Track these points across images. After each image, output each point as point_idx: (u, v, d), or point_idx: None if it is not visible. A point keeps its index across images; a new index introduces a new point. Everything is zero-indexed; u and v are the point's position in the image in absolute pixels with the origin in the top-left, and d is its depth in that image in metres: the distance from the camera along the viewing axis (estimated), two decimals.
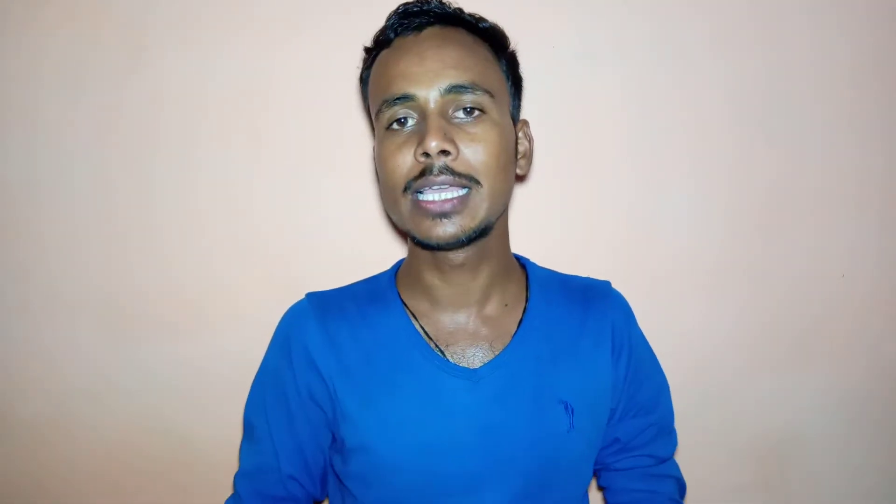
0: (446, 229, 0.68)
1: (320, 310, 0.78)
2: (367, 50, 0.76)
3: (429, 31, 0.71)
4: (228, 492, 0.85)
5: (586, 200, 1.01)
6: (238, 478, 0.81)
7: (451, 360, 0.74)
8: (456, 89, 0.68)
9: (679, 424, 0.87)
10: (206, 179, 1.00)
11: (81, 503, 1.08)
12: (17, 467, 1.07)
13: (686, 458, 0.88)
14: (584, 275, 0.87)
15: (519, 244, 0.86)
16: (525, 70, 0.80)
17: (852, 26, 0.99)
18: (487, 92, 0.69)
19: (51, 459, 1.07)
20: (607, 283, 0.85)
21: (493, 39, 0.74)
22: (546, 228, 1.00)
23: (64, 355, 1.04)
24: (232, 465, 0.89)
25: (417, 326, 0.76)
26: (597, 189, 1.01)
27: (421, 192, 0.68)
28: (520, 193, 1.00)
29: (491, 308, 0.77)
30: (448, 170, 0.67)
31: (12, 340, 1.04)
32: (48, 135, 0.99)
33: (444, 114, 0.68)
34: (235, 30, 0.97)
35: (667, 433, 0.86)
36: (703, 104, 0.99)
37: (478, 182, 0.68)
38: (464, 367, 0.73)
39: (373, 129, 0.79)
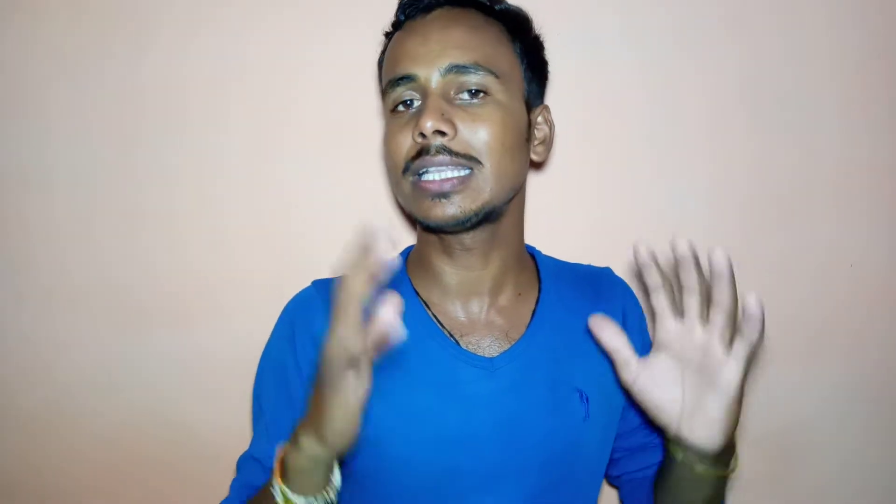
0: (446, 210, 0.67)
1: (329, 296, 0.75)
2: (386, 35, 0.77)
3: (436, 13, 0.71)
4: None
5: (598, 191, 1.01)
6: (238, 463, 0.78)
7: (467, 350, 0.72)
8: (457, 69, 0.67)
9: None
10: (217, 168, 0.99)
11: (86, 493, 1.08)
12: (22, 456, 1.07)
13: None
14: (586, 263, 0.87)
15: (528, 234, 0.85)
16: None
17: (868, 16, 0.97)
18: (492, 73, 0.68)
19: (57, 449, 1.07)
20: (609, 270, 0.86)
21: (508, 21, 0.73)
22: (558, 219, 1.00)
23: (72, 344, 1.04)
24: (239, 454, 0.89)
25: (431, 315, 0.75)
26: (607, 180, 1.00)
27: (421, 173, 0.68)
28: (532, 183, 0.99)
29: (504, 298, 0.76)
30: (445, 149, 0.66)
31: (20, 329, 1.04)
32: (60, 122, 0.99)
33: (445, 95, 0.68)
34: (244, 14, 0.96)
35: None
36: (716, 94, 0.98)
37: (479, 162, 0.67)
38: (481, 357, 0.72)
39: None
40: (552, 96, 0.94)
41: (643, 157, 0.99)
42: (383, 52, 0.77)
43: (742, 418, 0.64)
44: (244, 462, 0.79)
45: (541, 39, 0.77)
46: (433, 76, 0.67)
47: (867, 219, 1.02)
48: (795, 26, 0.97)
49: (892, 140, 1.00)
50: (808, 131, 0.99)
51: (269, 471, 0.73)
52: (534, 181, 0.99)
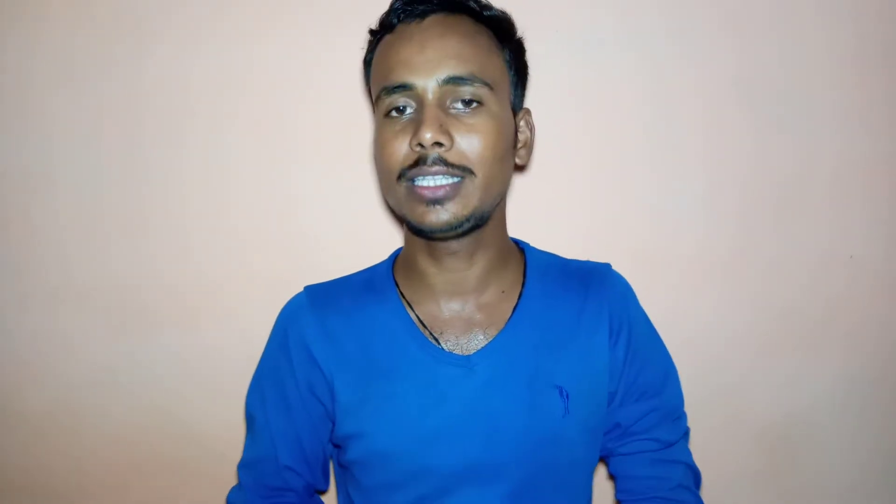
0: (440, 216, 0.68)
1: (318, 302, 0.79)
2: (371, 33, 0.76)
3: (431, 19, 0.71)
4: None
5: (596, 191, 1.00)
6: (240, 468, 0.83)
7: (445, 348, 0.74)
8: (454, 80, 0.68)
9: (691, 414, 0.87)
10: (222, 169, 0.99)
11: (93, 492, 1.09)
12: (28, 456, 1.08)
13: (697, 447, 0.88)
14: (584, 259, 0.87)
15: (525, 234, 0.86)
16: (529, 57, 0.79)
17: (864, 14, 0.96)
18: (486, 84, 0.69)
19: (64, 448, 1.08)
20: (607, 266, 0.85)
21: (497, 27, 0.74)
22: (554, 219, 1.00)
23: (77, 344, 1.04)
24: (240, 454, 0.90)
25: (412, 315, 0.77)
26: (606, 179, 1.00)
27: (415, 179, 0.69)
28: (527, 183, 0.99)
29: (487, 296, 0.77)
30: (442, 161, 0.67)
31: (25, 329, 1.04)
32: (64, 124, 0.99)
33: (441, 104, 0.68)
34: (247, 18, 0.96)
35: (673, 418, 0.83)
36: (714, 92, 0.97)
37: (472, 172, 0.68)
38: (457, 355, 0.74)
39: (374, 111, 0.79)
40: (549, 97, 0.94)
41: (640, 155, 0.99)
42: (370, 52, 0.77)
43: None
44: (251, 465, 0.82)
45: (523, 42, 0.77)
46: (430, 86, 0.68)
47: (865, 212, 1.01)
48: (791, 26, 0.96)
49: (888, 134, 0.99)
50: (805, 127, 0.98)
51: (285, 469, 0.79)
52: (531, 182, 1.00)
